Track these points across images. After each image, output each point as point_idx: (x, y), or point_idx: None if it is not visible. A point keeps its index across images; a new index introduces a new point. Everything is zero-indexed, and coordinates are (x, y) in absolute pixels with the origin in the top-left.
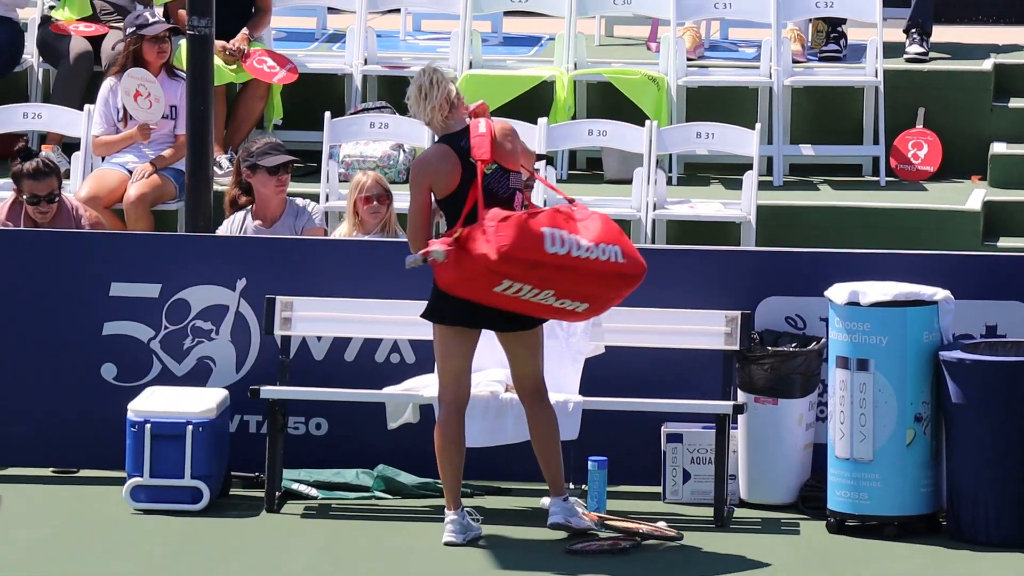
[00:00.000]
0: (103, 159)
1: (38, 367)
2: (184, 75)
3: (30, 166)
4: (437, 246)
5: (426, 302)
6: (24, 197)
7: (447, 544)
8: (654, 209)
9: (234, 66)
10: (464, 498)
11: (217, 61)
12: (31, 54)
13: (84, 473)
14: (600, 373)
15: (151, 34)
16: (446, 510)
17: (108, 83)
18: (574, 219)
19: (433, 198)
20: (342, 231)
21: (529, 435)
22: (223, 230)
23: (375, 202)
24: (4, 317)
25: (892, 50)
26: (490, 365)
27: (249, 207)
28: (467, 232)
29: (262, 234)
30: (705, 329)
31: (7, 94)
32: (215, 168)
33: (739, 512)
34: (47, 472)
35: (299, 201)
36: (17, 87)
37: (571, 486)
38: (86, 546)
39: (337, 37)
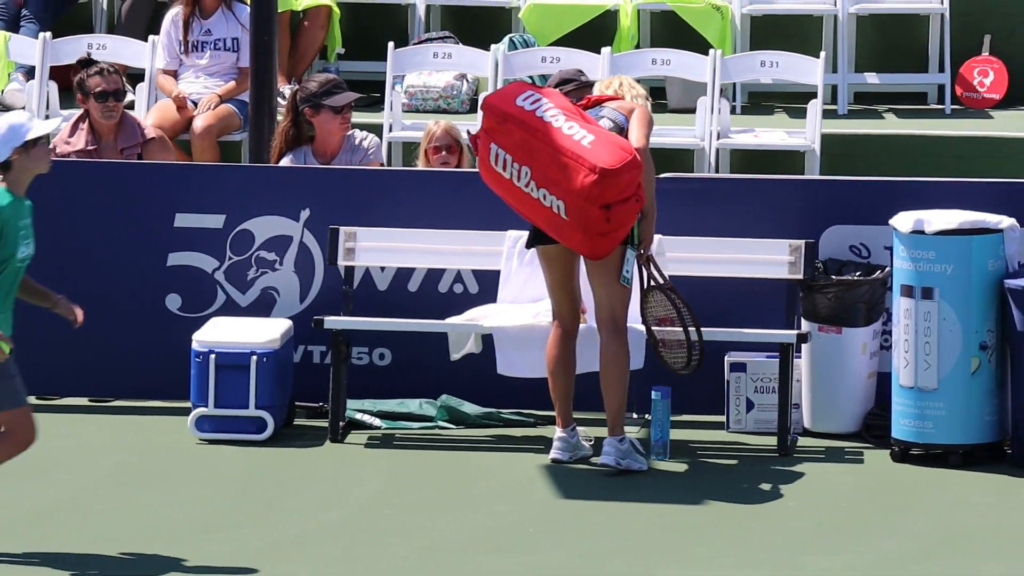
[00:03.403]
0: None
1: (103, 297)
2: (242, 8)
3: (96, 67)
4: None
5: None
6: (93, 93)
7: (553, 461)
8: (718, 138)
9: None
10: (524, 428)
11: None
12: None
13: (149, 403)
14: None
15: None
16: (556, 427)
17: (170, 16)
18: (582, 115)
19: None
20: None
21: (577, 368)
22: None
23: (444, 152)
24: (69, 247)
25: None
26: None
27: (308, 144)
28: None
29: None
30: (769, 258)
31: (72, 25)
32: (279, 99)
33: (803, 441)
34: (115, 403)
35: (357, 135)
36: (82, 18)
37: (635, 415)
38: (152, 476)
39: None
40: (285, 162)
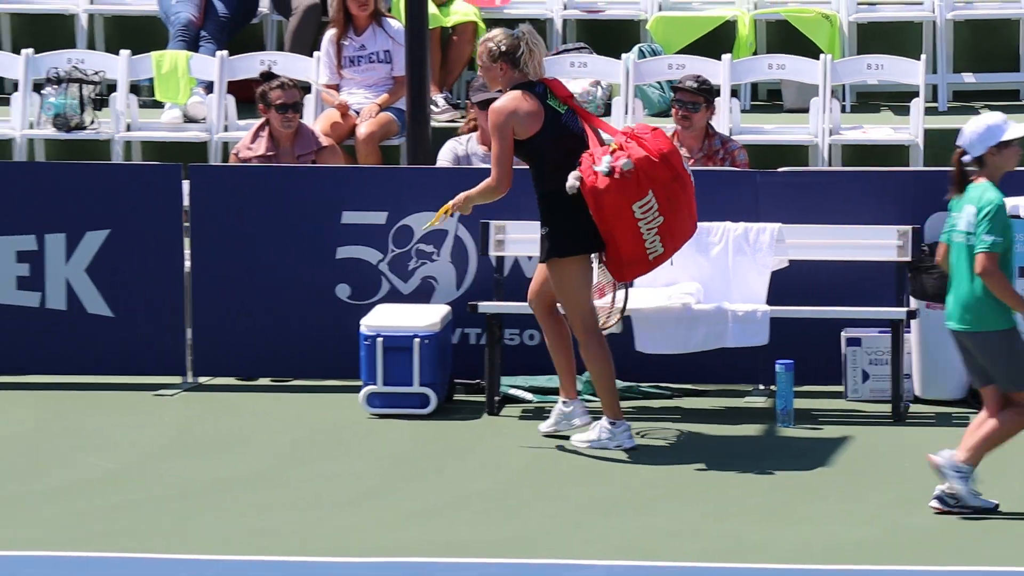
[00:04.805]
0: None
1: (280, 288)
2: (390, 22)
3: (277, 81)
4: (623, 159)
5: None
6: (275, 105)
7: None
8: (830, 135)
9: (445, 8)
10: (662, 400)
11: (431, 8)
12: (266, 7)
13: (324, 383)
14: (785, 284)
15: None
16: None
17: (327, 36)
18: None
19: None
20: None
21: (708, 344)
22: (447, 150)
23: None
24: (252, 243)
25: None
26: (682, 280)
27: (474, 134)
28: (621, 143)
29: (485, 159)
30: (879, 243)
31: (246, 43)
32: (431, 106)
33: (914, 408)
34: (294, 382)
35: None
36: (254, 37)
37: (761, 387)
38: (328, 448)
39: None
40: (450, 144)
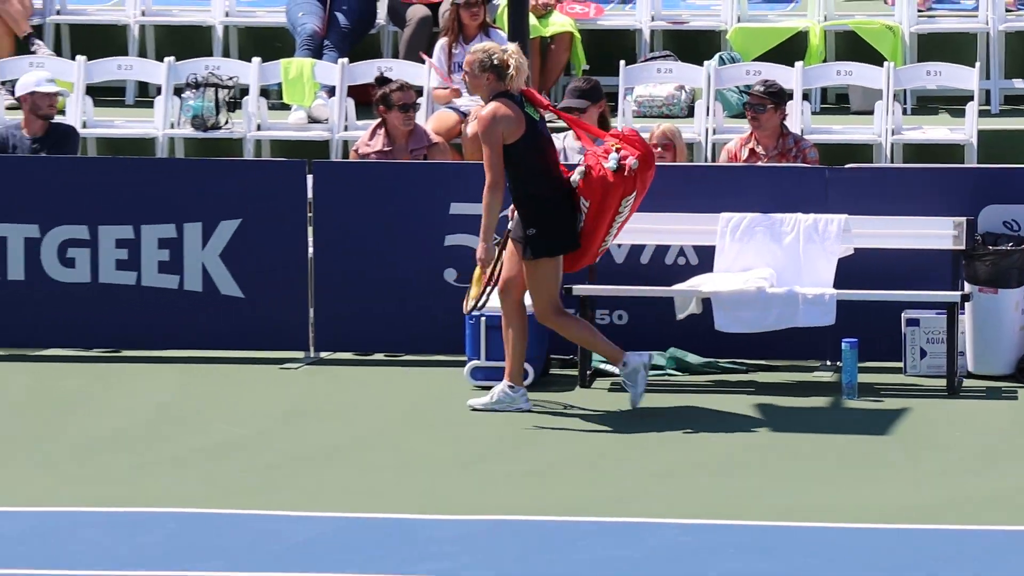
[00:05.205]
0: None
1: (393, 272)
2: (497, 32)
3: (396, 83)
4: (631, 158)
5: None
6: (397, 105)
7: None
8: (892, 135)
9: (544, 20)
10: (738, 374)
11: (532, 19)
12: (383, 18)
13: (433, 357)
14: (851, 270)
15: (463, 2)
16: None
17: (439, 44)
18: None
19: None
20: None
21: (780, 324)
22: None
23: (659, 149)
24: (366, 232)
25: None
26: (757, 265)
27: (570, 131)
28: (618, 145)
29: (581, 151)
30: (936, 232)
31: (365, 52)
32: None
33: (967, 382)
34: (405, 357)
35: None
36: (372, 46)
37: (828, 363)
38: (436, 416)
39: None
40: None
